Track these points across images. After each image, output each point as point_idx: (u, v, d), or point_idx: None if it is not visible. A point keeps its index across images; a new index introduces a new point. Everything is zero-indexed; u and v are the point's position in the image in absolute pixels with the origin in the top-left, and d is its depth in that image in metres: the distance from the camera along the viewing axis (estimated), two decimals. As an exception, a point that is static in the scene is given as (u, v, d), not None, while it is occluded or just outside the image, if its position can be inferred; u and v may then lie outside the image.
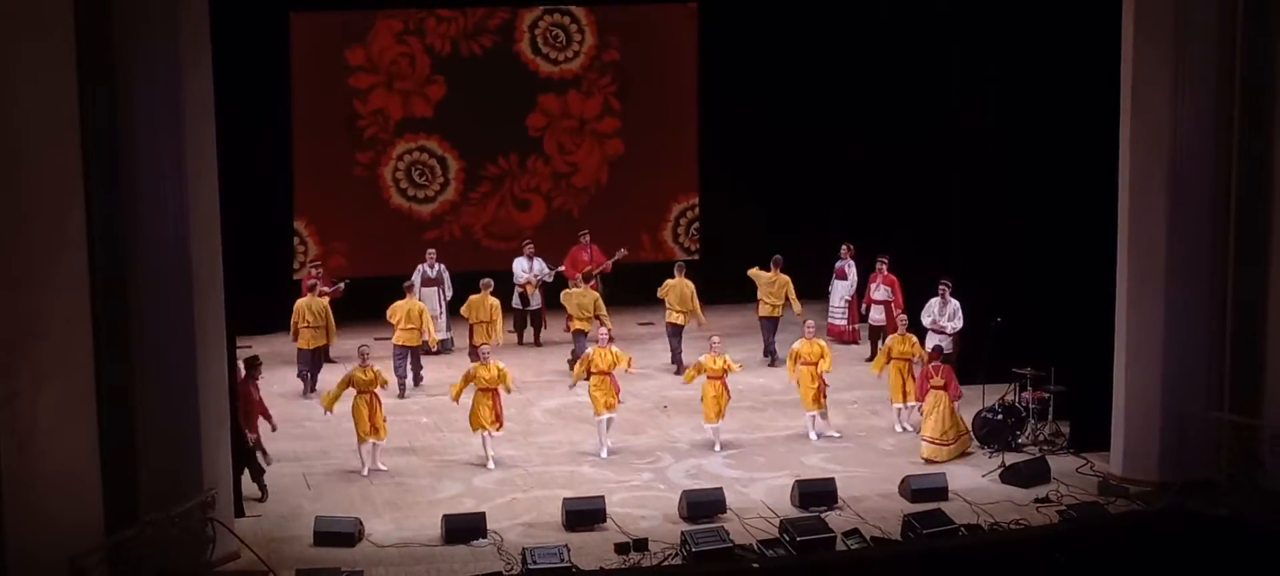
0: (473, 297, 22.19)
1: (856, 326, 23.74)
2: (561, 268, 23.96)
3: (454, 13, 25.26)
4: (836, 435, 19.47)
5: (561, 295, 22.69)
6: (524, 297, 23.61)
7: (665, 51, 26.13)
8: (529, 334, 23.73)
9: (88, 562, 14.18)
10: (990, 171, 21.38)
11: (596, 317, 21.81)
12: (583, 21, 25.77)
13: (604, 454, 18.75)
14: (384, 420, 18.45)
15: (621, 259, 24.26)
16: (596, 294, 22.41)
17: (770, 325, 22.92)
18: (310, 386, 21.33)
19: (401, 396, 20.97)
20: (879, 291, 22.84)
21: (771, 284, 22.77)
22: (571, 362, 21.27)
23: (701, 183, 26.52)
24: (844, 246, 23.68)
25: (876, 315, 22.92)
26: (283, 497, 17.69)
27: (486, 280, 22.27)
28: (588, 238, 24.27)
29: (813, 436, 19.36)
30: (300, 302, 21.75)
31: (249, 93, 21.30)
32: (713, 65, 26.00)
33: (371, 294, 23.47)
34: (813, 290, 23.92)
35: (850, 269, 23.54)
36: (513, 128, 25.66)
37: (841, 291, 23.66)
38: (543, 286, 23.67)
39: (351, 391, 18.44)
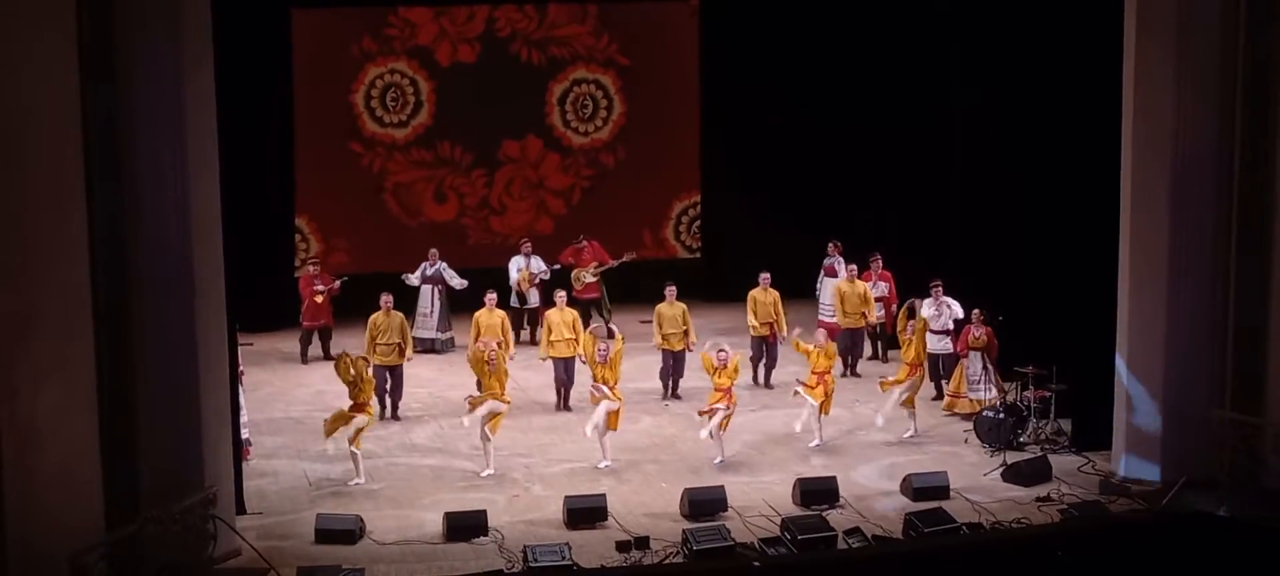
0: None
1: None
2: (557, 265, 23.96)
3: (537, 13, 25.42)
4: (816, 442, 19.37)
5: (656, 312, 21.42)
6: (521, 296, 23.61)
7: (667, 50, 26.15)
8: (525, 333, 23.71)
9: (88, 559, 14.16)
10: (991, 170, 21.38)
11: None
12: (614, 112, 25.84)
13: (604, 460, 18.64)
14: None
15: (631, 259, 24.27)
16: (684, 306, 21.29)
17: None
18: (393, 410, 20.28)
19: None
20: (876, 288, 22.82)
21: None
22: (667, 382, 21.11)
23: (703, 181, 26.54)
24: (831, 244, 23.65)
25: (875, 312, 22.89)
26: (284, 495, 17.69)
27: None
28: (585, 241, 24.25)
29: (817, 441, 19.25)
30: (376, 316, 20.35)
31: (251, 90, 21.35)
32: (715, 63, 26.01)
33: (372, 292, 23.48)
34: (805, 289, 23.87)
35: (840, 266, 23.53)
36: (490, 136, 25.68)
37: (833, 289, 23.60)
38: (541, 285, 23.67)
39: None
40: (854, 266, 22.37)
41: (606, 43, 25.94)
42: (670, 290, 21.26)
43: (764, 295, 21.58)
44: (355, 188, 25.33)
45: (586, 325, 23.92)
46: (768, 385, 21.61)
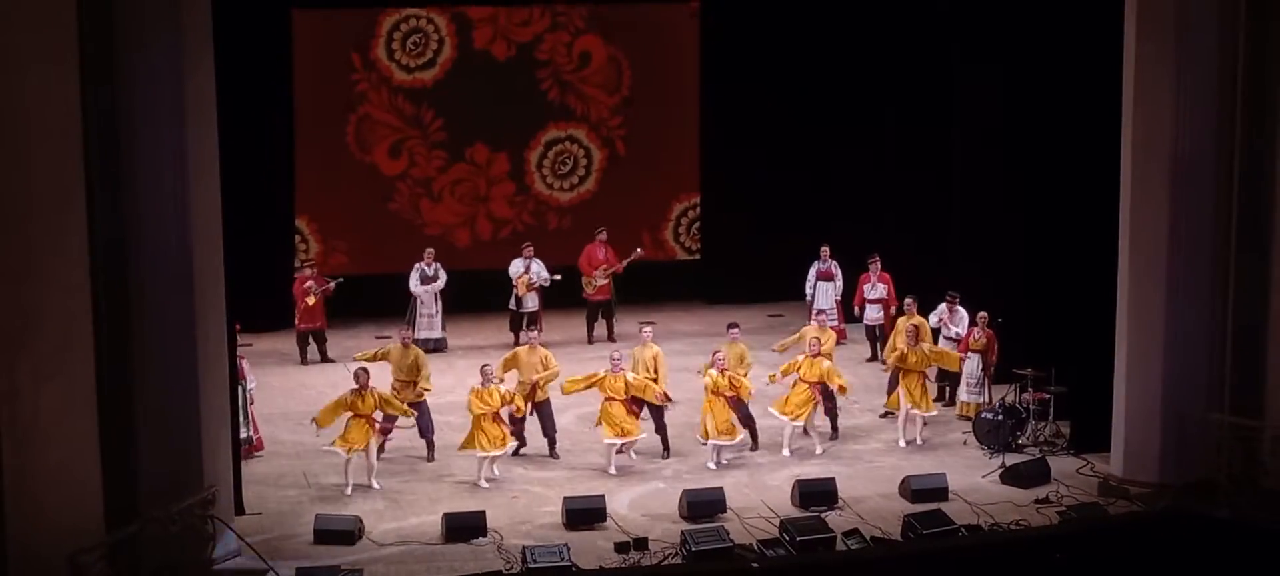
0: (392, 348, 19.38)
1: (844, 326, 23.67)
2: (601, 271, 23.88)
3: (580, 59, 25.55)
4: (820, 451, 19.26)
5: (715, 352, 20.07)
6: (519, 299, 23.58)
7: (667, 51, 26.14)
8: (524, 336, 23.61)
9: (87, 559, 14.15)
10: (991, 171, 21.37)
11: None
12: (585, 185, 25.92)
13: (612, 470, 18.50)
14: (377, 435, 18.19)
15: (637, 258, 24.25)
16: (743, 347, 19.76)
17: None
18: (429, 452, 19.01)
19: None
20: (875, 290, 22.80)
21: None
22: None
23: (703, 182, 26.52)
24: (824, 248, 23.58)
25: (873, 314, 22.86)
26: (283, 495, 17.70)
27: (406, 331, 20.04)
28: (604, 236, 24.24)
29: (787, 452, 18.98)
30: (393, 351, 19.23)
31: (251, 90, 21.33)
32: (715, 65, 26.00)
33: (373, 292, 23.49)
34: (798, 291, 23.83)
35: (836, 270, 23.48)
36: (470, 131, 25.51)
37: (830, 293, 23.53)
38: (541, 290, 23.62)
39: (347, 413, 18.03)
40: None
41: (619, 123, 26.00)
42: (734, 331, 19.90)
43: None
44: (356, 187, 25.25)
45: (592, 327, 23.96)
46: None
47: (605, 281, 23.92)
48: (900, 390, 19.48)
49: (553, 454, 18.96)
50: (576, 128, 25.87)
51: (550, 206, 25.92)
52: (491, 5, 25.20)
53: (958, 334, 20.64)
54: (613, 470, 18.39)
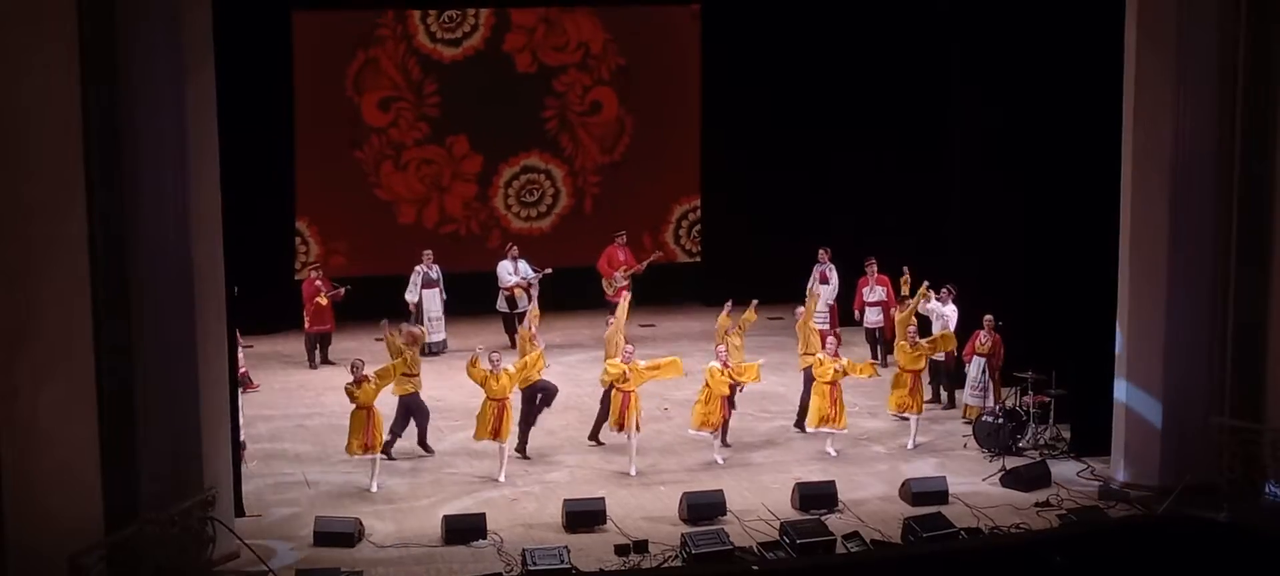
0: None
1: (838, 330, 23.62)
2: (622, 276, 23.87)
3: (590, 107, 25.73)
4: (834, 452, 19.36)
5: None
6: (511, 300, 23.54)
7: (668, 53, 26.14)
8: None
9: (87, 560, 14.16)
10: (991, 174, 21.35)
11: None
12: (542, 221, 25.94)
13: (633, 471, 18.53)
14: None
15: (657, 259, 24.25)
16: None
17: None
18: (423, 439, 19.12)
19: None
20: (873, 293, 22.77)
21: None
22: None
23: (703, 185, 26.52)
24: (822, 250, 23.54)
25: (873, 317, 22.83)
26: (283, 497, 17.69)
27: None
28: (623, 238, 24.24)
29: (831, 450, 19.15)
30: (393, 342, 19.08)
31: (251, 91, 21.30)
32: (715, 67, 26.01)
33: (372, 293, 23.44)
34: (798, 294, 23.80)
35: (831, 273, 23.44)
36: (458, 122, 25.51)
37: (825, 296, 23.47)
38: (529, 288, 23.60)
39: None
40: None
41: (597, 182, 26.07)
42: (615, 276, 21.15)
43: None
44: (355, 185, 25.23)
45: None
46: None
47: (625, 282, 23.92)
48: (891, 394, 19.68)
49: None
50: (557, 166, 25.89)
51: (499, 225, 25.88)
52: (530, 6, 25.21)
53: (926, 310, 20.58)
54: (633, 470, 18.43)
